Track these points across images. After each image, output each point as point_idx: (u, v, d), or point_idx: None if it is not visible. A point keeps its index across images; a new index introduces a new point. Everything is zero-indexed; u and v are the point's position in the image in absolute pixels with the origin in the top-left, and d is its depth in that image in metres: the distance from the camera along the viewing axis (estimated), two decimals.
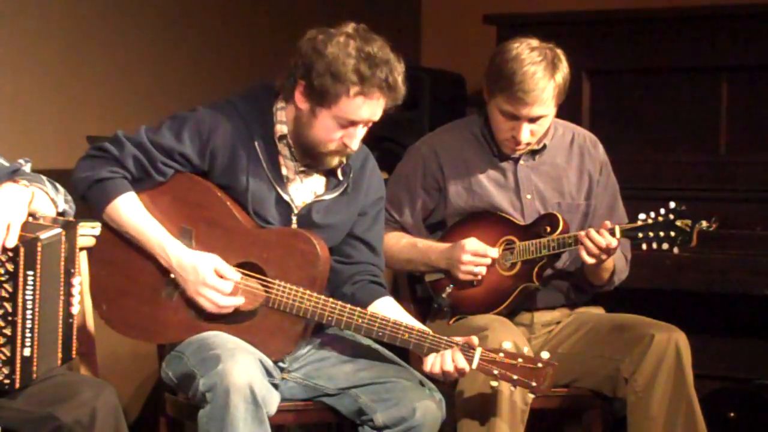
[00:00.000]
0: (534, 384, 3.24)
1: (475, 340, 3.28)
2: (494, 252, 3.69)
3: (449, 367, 3.26)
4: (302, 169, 3.41)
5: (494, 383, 3.29)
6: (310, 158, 3.37)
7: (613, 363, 3.68)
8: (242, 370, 3.14)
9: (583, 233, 3.61)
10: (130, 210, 3.32)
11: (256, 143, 3.36)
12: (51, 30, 4.74)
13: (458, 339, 3.29)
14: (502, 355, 3.25)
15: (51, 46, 4.75)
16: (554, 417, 4.23)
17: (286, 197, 3.39)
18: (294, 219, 3.41)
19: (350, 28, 3.31)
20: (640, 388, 3.63)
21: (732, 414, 4.60)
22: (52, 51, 4.75)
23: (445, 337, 3.28)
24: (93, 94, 4.88)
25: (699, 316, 4.70)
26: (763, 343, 4.86)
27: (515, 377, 3.24)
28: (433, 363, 3.28)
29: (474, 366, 3.25)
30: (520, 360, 3.24)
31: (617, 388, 3.69)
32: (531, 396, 3.51)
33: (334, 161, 3.37)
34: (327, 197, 3.43)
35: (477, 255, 3.68)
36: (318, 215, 3.41)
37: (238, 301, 3.31)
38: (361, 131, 3.32)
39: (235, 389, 3.12)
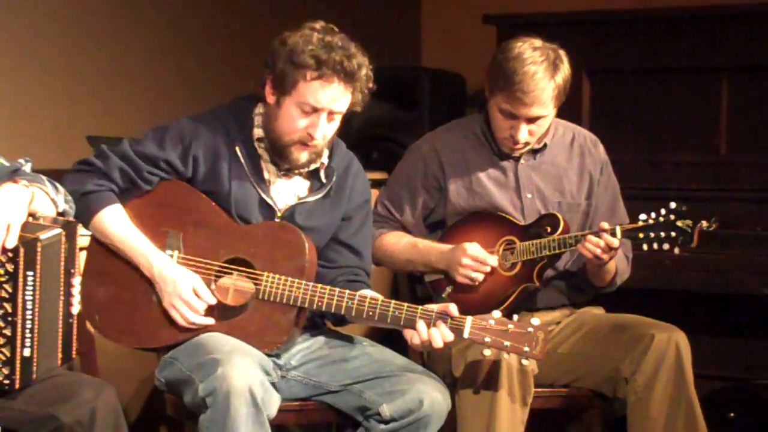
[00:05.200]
0: (527, 349, 3.24)
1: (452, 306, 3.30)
2: (494, 260, 3.68)
3: (424, 337, 3.26)
4: (284, 172, 3.46)
5: (487, 352, 3.29)
6: (279, 155, 3.41)
7: (613, 363, 3.68)
8: (241, 373, 3.15)
9: (582, 235, 3.62)
10: (115, 222, 3.37)
11: (237, 148, 3.42)
12: (51, 30, 4.75)
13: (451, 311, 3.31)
14: (492, 322, 3.26)
15: (51, 46, 4.75)
16: (554, 417, 4.23)
17: (269, 200, 3.43)
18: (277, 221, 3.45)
19: (318, 24, 3.38)
20: (640, 388, 3.63)
21: (732, 414, 4.59)
22: (52, 51, 4.76)
23: (436, 311, 3.29)
24: (93, 94, 4.89)
25: (699, 316, 4.70)
26: (763, 343, 4.86)
27: (507, 343, 3.24)
28: (413, 336, 3.28)
29: (466, 335, 3.26)
30: (510, 326, 3.25)
31: (617, 388, 3.69)
32: (532, 382, 3.52)
33: (303, 157, 3.39)
34: (310, 199, 3.47)
35: (477, 261, 3.68)
36: (301, 217, 3.44)
37: (208, 321, 3.34)
38: (325, 123, 3.36)
39: (236, 393, 3.12)
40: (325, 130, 3.37)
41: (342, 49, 3.32)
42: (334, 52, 3.31)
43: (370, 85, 3.39)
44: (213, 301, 3.35)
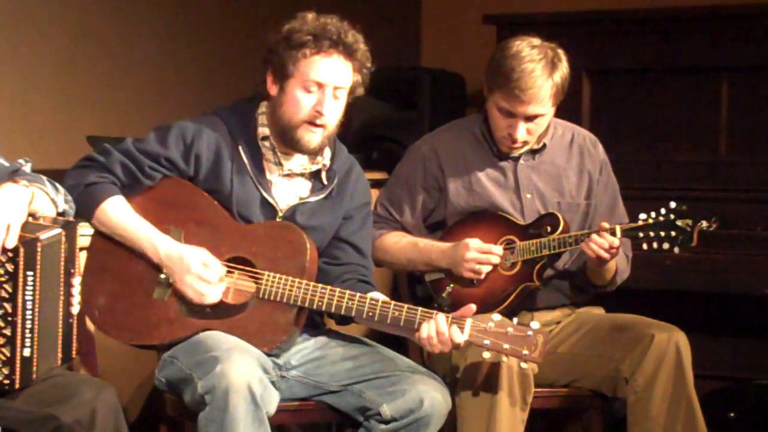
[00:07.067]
0: (525, 352, 3.24)
1: (472, 307, 3.29)
2: (499, 249, 3.69)
3: (443, 329, 3.26)
4: (287, 172, 3.46)
5: (486, 354, 3.29)
6: (290, 141, 3.41)
7: (613, 363, 3.68)
8: (240, 370, 3.15)
9: (582, 234, 3.63)
10: (119, 211, 3.37)
11: (240, 147, 3.43)
12: (51, 30, 4.75)
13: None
14: (492, 325, 3.26)
15: (51, 46, 4.75)
16: (554, 417, 4.23)
17: (270, 200, 3.44)
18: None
19: (310, 13, 3.42)
20: (640, 388, 3.63)
21: (732, 414, 4.59)
22: (52, 51, 4.76)
23: (435, 312, 3.30)
24: (93, 94, 4.89)
25: (699, 316, 4.71)
26: (763, 343, 4.86)
27: (506, 346, 3.24)
28: (429, 328, 3.28)
29: (465, 336, 3.26)
30: (510, 329, 3.25)
31: (617, 388, 3.69)
32: (532, 383, 3.52)
33: (313, 139, 3.39)
34: (311, 200, 3.47)
35: (482, 251, 3.67)
36: (302, 217, 3.45)
37: (222, 288, 3.34)
38: (331, 99, 3.37)
39: (234, 390, 3.13)
40: (332, 106, 3.38)
41: (337, 25, 3.38)
42: (330, 26, 3.36)
43: (369, 64, 3.42)
44: (223, 271, 3.35)
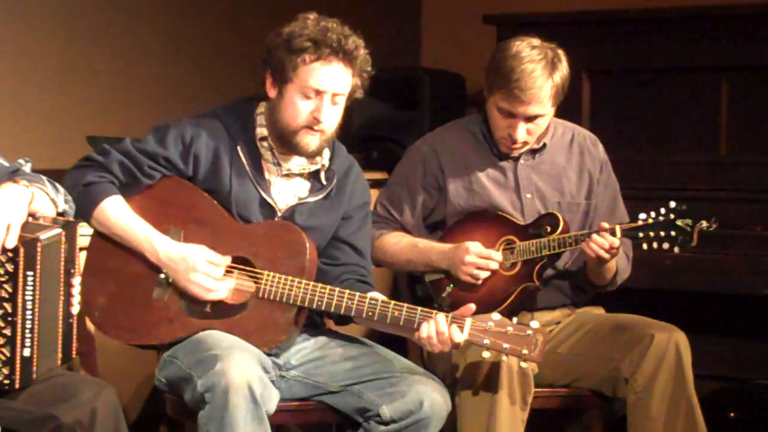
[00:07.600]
0: (525, 351, 3.24)
1: (472, 306, 3.29)
2: (498, 255, 3.69)
3: (443, 328, 3.27)
4: (285, 172, 3.47)
5: (486, 354, 3.29)
6: (288, 145, 3.41)
7: (613, 363, 3.68)
8: (240, 368, 3.16)
9: (582, 235, 3.63)
10: (117, 211, 3.37)
11: (238, 147, 3.43)
12: (51, 30, 4.75)
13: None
14: (491, 324, 3.26)
15: (51, 46, 4.75)
16: (554, 417, 4.23)
17: (269, 200, 3.44)
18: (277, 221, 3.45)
19: (311, 14, 3.40)
20: (640, 388, 3.63)
21: (732, 414, 4.60)
22: (52, 51, 4.76)
23: (435, 311, 3.30)
24: (93, 94, 4.89)
25: (699, 316, 4.70)
26: (763, 343, 4.86)
27: (506, 346, 3.24)
28: (429, 328, 3.28)
29: (465, 335, 3.27)
30: (509, 328, 3.25)
31: (617, 388, 3.69)
32: (532, 383, 3.53)
33: (312, 143, 3.39)
34: (310, 200, 3.48)
35: (481, 257, 3.67)
36: (301, 217, 3.45)
37: (228, 284, 3.33)
38: (329, 105, 3.37)
39: (234, 388, 3.13)
40: (330, 112, 3.38)
41: (337, 32, 3.35)
42: (331, 32, 3.34)
43: (369, 68, 3.41)
44: (228, 262, 3.35)
